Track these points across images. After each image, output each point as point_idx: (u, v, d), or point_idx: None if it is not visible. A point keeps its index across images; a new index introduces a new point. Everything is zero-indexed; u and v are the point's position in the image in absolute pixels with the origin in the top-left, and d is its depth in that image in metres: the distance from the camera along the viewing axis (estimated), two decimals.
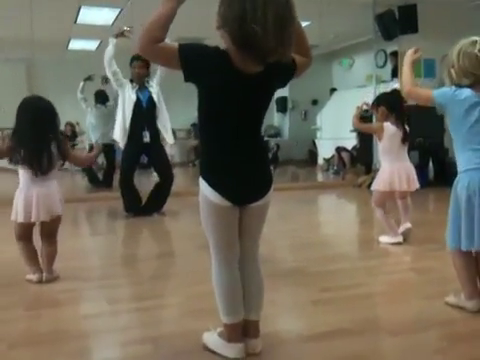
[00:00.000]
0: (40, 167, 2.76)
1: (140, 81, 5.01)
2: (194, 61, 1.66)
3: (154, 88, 5.05)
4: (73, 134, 9.44)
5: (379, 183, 3.68)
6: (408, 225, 3.76)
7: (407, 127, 3.74)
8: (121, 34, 5.03)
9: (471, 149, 2.21)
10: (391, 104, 3.72)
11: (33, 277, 2.86)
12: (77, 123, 9.50)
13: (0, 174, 9.55)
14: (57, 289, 2.79)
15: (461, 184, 2.24)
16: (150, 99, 5.02)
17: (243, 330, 1.92)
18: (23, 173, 2.81)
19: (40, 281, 2.84)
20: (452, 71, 2.18)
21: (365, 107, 4.17)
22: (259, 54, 1.60)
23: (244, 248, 1.89)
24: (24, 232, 2.85)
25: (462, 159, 2.26)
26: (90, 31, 8.63)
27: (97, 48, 9.84)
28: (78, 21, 8.11)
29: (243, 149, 1.79)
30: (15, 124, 2.79)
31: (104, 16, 7.98)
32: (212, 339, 1.96)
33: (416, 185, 3.72)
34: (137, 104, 4.96)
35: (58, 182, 2.93)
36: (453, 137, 2.29)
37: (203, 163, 1.84)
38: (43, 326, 2.30)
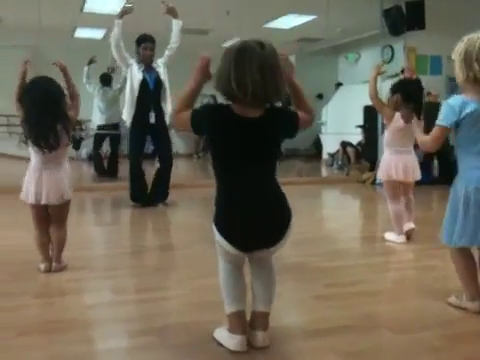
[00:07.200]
0: (47, 144, 2.76)
1: (147, 62, 4.99)
2: (198, 122, 1.87)
3: (161, 68, 5.04)
4: (78, 124, 9.37)
5: (379, 173, 3.68)
6: (411, 225, 3.70)
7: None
8: (125, 12, 4.96)
9: (475, 152, 2.23)
10: (408, 93, 3.49)
11: (41, 266, 2.89)
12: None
13: (8, 161, 9.64)
14: (65, 278, 2.83)
15: (460, 183, 2.27)
16: (156, 80, 5.01)
17: (251, 323, 1.95)
18: (34, 155, 2.83)
19: (48, 270, 2.87)
20: (476, 65, 2.11)
21: (383, 69, 3.74)
22: (250, 102, 1.77)
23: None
24: (38, 216, 2.86)
25: (464, 160, 2.29)
26: (96, 20, 8.61)
27: (103, 37, 9.82)
28: (84, 9, 8.10)
29: (253, 197, 1.82)
30: (23, 105, 2.81)
31: (110, 5, 7.94)
32: (219, 330, 2.00)
33: (416, 177, 3.60)
34: (144, 85, 4.95)
35: (67, 168, 2.93)
36: (456, 140, 2.30)
37: (216, 209, 1.88)
38: (50, 314, 2.34)
